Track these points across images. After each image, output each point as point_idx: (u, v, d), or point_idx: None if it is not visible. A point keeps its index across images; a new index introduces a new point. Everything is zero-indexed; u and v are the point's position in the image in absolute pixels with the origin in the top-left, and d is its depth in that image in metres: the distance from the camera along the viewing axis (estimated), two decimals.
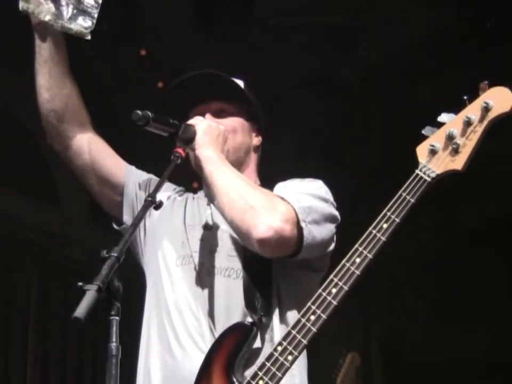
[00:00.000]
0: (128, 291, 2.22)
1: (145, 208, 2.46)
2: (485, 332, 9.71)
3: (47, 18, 2.79)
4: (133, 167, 2.99)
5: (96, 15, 2.84)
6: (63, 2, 2.81)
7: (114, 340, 2.14)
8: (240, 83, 2.98)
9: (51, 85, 2.88)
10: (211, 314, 2.66)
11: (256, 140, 2.99)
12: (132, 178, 2.94)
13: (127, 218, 2.91)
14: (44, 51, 2.85)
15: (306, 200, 2.66)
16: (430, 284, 9.85)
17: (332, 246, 2.76)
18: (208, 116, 2.87)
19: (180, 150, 2.65)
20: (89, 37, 2.81)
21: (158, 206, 2.46)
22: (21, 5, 2.80)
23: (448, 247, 9.80)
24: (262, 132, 3.02)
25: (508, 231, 9.44)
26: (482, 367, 9.61)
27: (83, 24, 2.81)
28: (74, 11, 2.82)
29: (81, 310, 2.05)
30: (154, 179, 2.92)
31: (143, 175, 2.97)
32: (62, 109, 2.89)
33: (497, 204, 9.71)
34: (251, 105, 2.95)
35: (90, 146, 2.93)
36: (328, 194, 2.78)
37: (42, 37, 2.84)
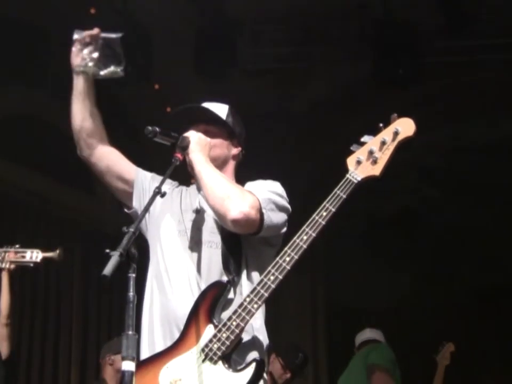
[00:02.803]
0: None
1: (153, 196, 2.47)
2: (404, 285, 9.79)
3: (92, 72, 2.79)
4: (140, 168, 2.96)
5: (122, 59, 2.79)
6: (97, 56, 2.77)
7: (131, 290, 2.16)
8: (226, 108, 2.93)
9: (83, 110, 2.85)
10: (198, 273, 2.65)
11: (235, 150, 2.93)
12: (139, 176, 2.91)
13: (136, 204, 2.89)
14: (79, 87, 2.83)
15: (267, 194, 2.66)
16: (360, 253, 9.89)
17: (284, 229, 2.73)
18: None
19: (178, 155, 2.66)
20: (122, 74, 2.78)
21: (163, 195, 2.49)
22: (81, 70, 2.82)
23: (373, 226, 9.89)
24: (240, 144, 2.96)
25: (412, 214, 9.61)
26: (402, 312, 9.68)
27: (115, 69, 2.77)
28: (106, 59, 2.78)
29: (107, 269, 2.09)
30: (156, 175, 2.91)
31: (147, 174, 2.94)
32: (90, 128, 2.86)
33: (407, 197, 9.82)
34: (229, 127, 2.91)
35: (108, 154, 2.90)
36: (283, 192, 2.77)
37: (78, 77, 2.83)
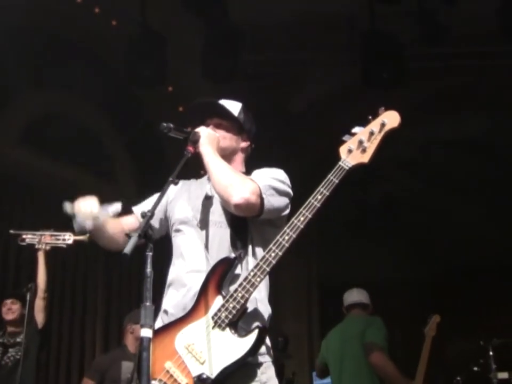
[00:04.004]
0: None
1: (168, 185, 2.43)
2: (386, 264, 9.78)
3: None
4: (136, 208, 2.89)
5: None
6: None
7: (148, 267, 2.14)
8: (239, 106, 2.89)
9: (109, 240, 2.81)
10: (209, 251, 2.62)
11: (244, 144, 2.87)
12: (139, 213, 2.77)
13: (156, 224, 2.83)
14: (95, 228, 2.75)
15: (268, 181, 2.62)
16: (348, 236, 9.90)
17: (287, 211, 2.68)
18: (211, 126, 2.80)
19: (190, 148, 2.62)
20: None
21: (176, 183, 2.45)
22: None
23: (360, 212, 9.89)
24: (249, 139, 2.91)
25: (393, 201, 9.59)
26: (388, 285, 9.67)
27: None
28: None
29: (127, 249, 2.07)
30: (154, 196, 2.81)
31: (144, 204, 2.87)
32: (118, 245, 2.78)
33: (389, 186, 9.84)
34: (239, 122, 2.86)
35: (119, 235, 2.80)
36: (286, 179, 2.71)
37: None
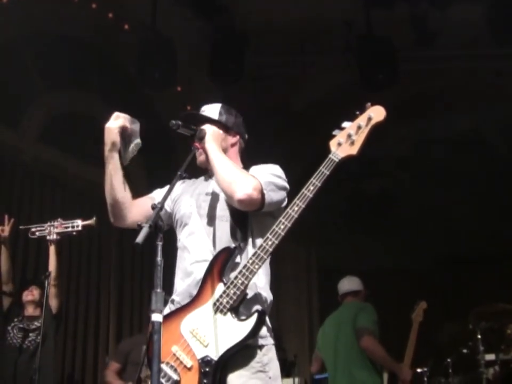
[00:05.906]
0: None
1: (177, 179, 2.41)
2: (379, 252, 9.75)
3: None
4: (154, 196, 2.82)
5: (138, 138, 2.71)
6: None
7: (159, 256, 2.12)
8: (218, 107, 2.83)
9: (118, 184, 2.70)
10: (211, 242, 2.61)
11: (233, 139, 2.82)
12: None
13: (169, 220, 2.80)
14: (114, 164, 2.69)
15: (268, 177, 2.60)
16: (345, 226, 9.88)
17: (284, 203, 2.66)
18: None
19: (197, 144, 2.62)
20: (140, 144, 2.71)
21: (184, 177, 2.44)
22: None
23: (354, 205, 9.88)
24: (238, 132, 2.84)
25: (388, 195, 9.58)
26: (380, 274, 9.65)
27: (134, 152, 2.69)
28: (129, 145, 2.69)
29: (139, 238, 2.06)
30: (166, 187, 2.70)
31: (161, 192, 2.82)
32: (123, 201, 2.72)
33: (384, 180, 9.82)
34: (221, 123, 2.79)
35: (134, 215, 2.75)
36: (282, 174, 2.69)
37: (113, 156, 2.68)
